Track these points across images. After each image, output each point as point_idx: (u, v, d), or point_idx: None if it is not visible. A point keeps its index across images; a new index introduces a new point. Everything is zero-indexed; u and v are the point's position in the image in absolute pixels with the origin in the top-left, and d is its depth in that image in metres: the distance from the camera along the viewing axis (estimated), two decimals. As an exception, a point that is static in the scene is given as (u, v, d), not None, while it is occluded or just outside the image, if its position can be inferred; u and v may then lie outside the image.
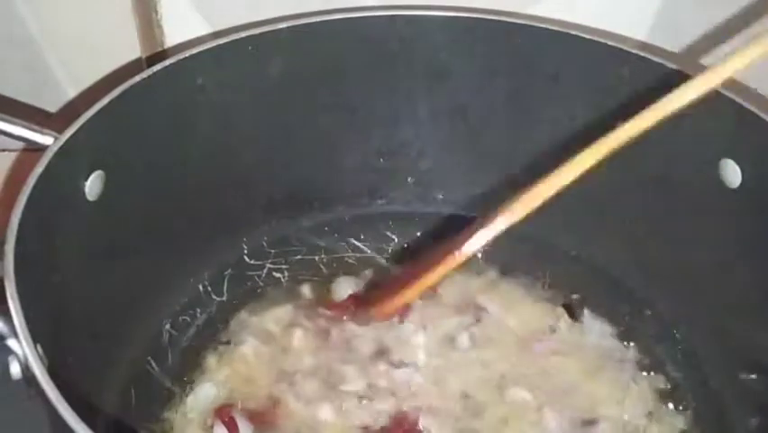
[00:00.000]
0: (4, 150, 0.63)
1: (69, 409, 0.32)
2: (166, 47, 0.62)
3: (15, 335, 0.37)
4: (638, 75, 0.53)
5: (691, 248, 0.55)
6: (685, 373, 0.57)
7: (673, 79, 0.51)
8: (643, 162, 0.55)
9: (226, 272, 0.61)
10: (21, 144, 0.61)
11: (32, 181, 0.42)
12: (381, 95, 0.59)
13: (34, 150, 0.45)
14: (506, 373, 0.57)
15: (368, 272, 0.63)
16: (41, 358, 0.35)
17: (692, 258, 0.55)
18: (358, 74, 0.58)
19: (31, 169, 0.43)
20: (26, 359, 0.37)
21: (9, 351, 0.38)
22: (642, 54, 0.53)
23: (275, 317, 0.60)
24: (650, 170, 0.55)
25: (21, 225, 0.40)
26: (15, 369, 0.38)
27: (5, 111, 0.46)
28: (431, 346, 0.58)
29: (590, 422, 0.54)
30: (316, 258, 0.64)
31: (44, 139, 0.46)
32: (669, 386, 0.56)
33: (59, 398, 0.33)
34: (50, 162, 0.44)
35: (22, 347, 0.37)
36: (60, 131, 0.46)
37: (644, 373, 0.57)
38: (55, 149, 0.44)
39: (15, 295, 0.37)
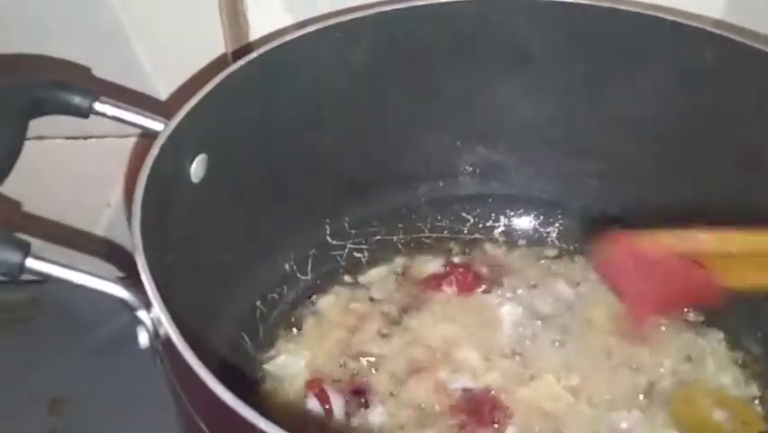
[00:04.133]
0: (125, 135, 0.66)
1: (205, 367, 0.35)
2: (251, 40, 0.65)
3: (145, 305, 0.40)
4: (720, 56, 0.54)
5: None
6: (765, 349, 0.58)
7: (758, 62, 0.52)
8: (724, 149, 0.57)
9: (310, 252, 0.63)
10: (130, 130, 0.64)
11: (149, 163, 0.45)
12: (461, 79, 0.60)
13: (144, 137, 0.48)
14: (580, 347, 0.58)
15: (445, 253, 0.65)
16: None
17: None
18: (439, 59, 0.59)
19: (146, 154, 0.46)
20: (155, 328, 0.40)
21: (138, 322, 0.41)
22: (725, 35, 0.53)
23: (357, 293, 0.63)
24: (733, 156, 0.56)
25: (142, 204, 0.43)
26: (144, 339, 0.41)
27: (118, 98, 0.49)
28: (515, 321, 0.60)
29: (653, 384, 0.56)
30: (395, 238, 0.66)
31: (155, 125, 0.48)
32: (748, 359, 0.58)
33: (195, 358, 0.35)
34: (162, 146, 0.46)
35: (153, 316, 0.40)
36: (169, 117, 0.49)
37: (723, 347, 0.58)
38: (167, 133, 0.47)
39: (146, 266, 0.39)
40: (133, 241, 0.41)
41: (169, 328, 0.37)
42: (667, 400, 0.55)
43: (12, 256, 0.38)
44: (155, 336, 0.40)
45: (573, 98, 0.60)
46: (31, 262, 0.39)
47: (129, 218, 0.42)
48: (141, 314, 0.40)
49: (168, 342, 0.38)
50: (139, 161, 0.46)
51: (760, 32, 0.60)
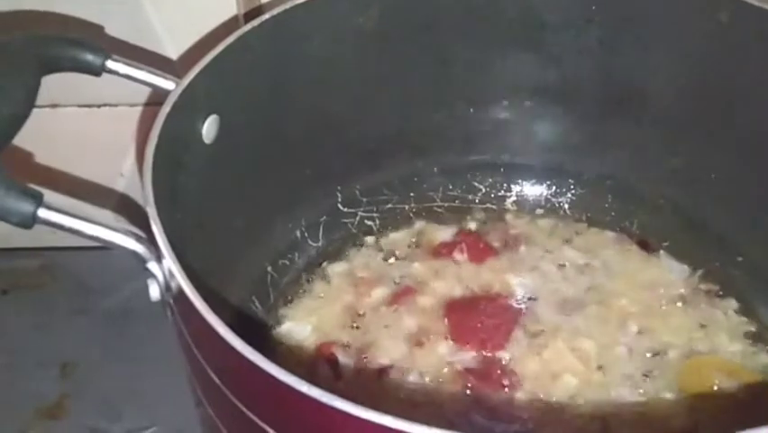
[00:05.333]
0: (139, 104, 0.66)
1: (215, 315, 0.35)
2: (262, 2, 0.64)
3: (156, 258, 0.40)
4: (737, 20, 0.53)
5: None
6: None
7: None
8: (737, 114, 0.56)
9: (321, 219, 0.63)
10: (143, 98, 0.64)
11: (161, 119, 0.45)
12: (474, 45, 0.60)
13: (157, 104, 0.48)
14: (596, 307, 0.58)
15: (456, 222, 0.65)
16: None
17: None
18: (452, 25, 0.59)
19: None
20: (166, 281, 0.40)
21: (149, 275, 0.41)
22: (740, -1, 0.53)
23: (367, 261, 0.63)
24: (746, 122, 0.56)
25: (154, 159, 0.43)
26: (155, 292, 0.41)
27: (131, 57, 0.49)
28: (527, 289, 0.60)
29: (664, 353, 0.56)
30: (406, 207, 0.66)
31: (166, 83, 0.48)
32: (757, 328, 0.57)
33: (206, 306, 0.35)
34: (174, 104, 0.46)
35: (164, 268, 0.40)
36: (180, 76, 0.49)
37: (734, 315, 0.58)
38: (179, 91, 0.47)
39: (158, 219, 0.39)
40: (145, 193, 0.41)
41: (181, 279, 0.37)
42: (676, 369, 0.55)
43: (24, 206, 0.39)
44: (166, 289, 0.40)
45: (587, 65, 0.60)
46: (43, 213, 0.39)
47: (141, 172, 0.42)
48: (152, 266, 0.40)
49: (179, 293, 0.38)
50: (150, 127, 0.45)
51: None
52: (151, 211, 0.40)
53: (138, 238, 0.40)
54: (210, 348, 0.38)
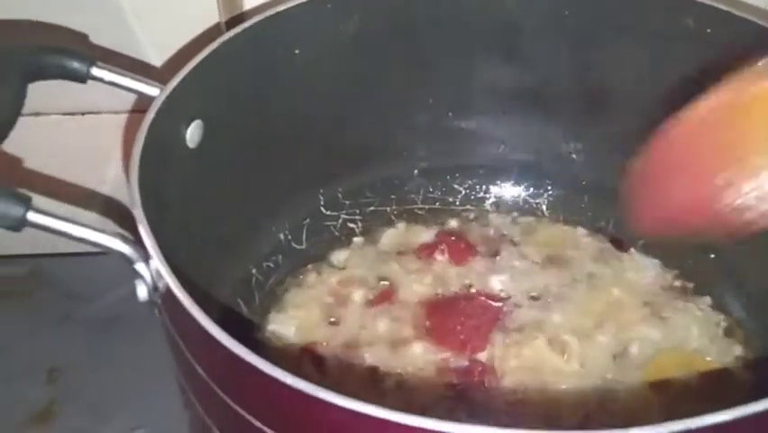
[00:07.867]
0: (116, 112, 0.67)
1: (202, 312, 0.36)
2: (245, 10, 0.66)
3: (144, 259, 0.41)
4: (704, 24, 0.55)
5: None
6: (749, 313, 0.59)
7: (740, 29, 0.53)
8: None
9: (305, 222, 0.64)
10: (128, 106, 0.65)
11: (146, 125, 0.46)
12: (452, 51, 0.61)
13: (142, 111, 0.49)
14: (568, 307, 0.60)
15: (437, 224, 0.66)
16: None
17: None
18: (431, 30, 0.60)
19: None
20: (154, 282, 0.41)
21: (136, 276, 0.42)
22: (708, 3, 0.54)
23: (349, 263, 0.64)
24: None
25: (140, 162, 0.44)
26: (142, 292, 0.42)
27: (117, 64, 0.50)
28: (507, 289, 0.61)
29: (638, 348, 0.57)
30: (388, 209, 0.67)
31: (151, 90, 0.49)
32: (729, 324, 0.59)
33: (193, 304, 0.36)
34: (159, 110, 0.47)
35: (152, 269, 0.41)
36: (164, 83, 0.50)
37: (709, 311, 0.59)
38: (162, 98, 0.48)
39: (144, 219, 0.40)
40: (131, 195, 0.42)
41: (168, 278, 0.38)
42: (649, 364, 0.56)
43: (13, 209, 0.39)
44: (154, 289, 0.41)
45: (562, 69, 0.61)
46: (32, 216, 0.40)
47: (127, 175, 0.43)
48: (140, 267, 0.41)
49: (167, 293, 0.39)
50: (135, 135, 0.46)
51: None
52: (138, 213, 0.41)
53: (125, 239, 0.41)
54: (198, 345, 0.39)
